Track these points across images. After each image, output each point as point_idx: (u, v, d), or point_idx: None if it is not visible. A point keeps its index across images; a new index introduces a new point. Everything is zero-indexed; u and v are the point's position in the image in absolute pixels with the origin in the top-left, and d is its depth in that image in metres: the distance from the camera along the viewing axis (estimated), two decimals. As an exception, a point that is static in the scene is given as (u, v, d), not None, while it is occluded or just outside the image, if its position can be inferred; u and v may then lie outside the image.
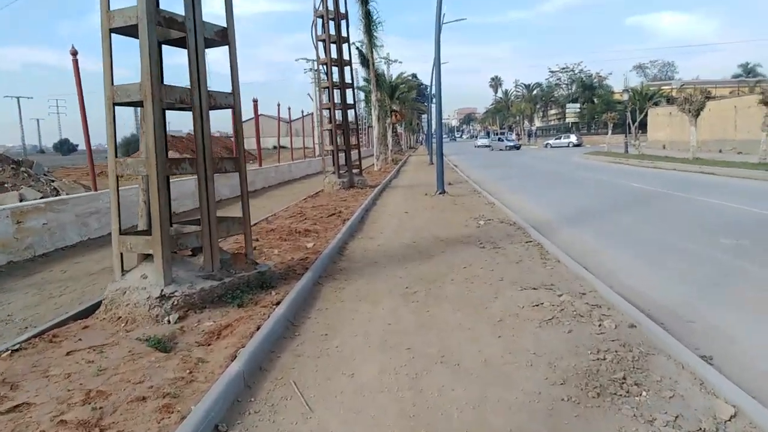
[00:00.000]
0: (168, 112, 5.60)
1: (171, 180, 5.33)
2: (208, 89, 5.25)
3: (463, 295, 5.61)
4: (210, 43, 5.36)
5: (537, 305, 5.21)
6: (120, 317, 4.43)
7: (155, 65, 4.60)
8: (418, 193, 16.18)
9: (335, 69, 16.52)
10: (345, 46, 16.78)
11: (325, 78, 16.41)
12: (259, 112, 26.93)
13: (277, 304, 4.85)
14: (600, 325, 4.70)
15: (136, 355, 3.69)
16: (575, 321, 4.79)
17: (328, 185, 16.47)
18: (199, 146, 5.18)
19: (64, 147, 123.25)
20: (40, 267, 7.34)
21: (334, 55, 16.35)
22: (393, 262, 7.12)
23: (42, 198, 14.00)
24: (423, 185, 19.11)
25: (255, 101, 22.13)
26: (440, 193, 15.44)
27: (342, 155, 17.00)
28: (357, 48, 31.30)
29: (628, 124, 47.99)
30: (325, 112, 16.95)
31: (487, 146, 79.92)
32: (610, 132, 44.85)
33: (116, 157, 4.92)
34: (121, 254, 4.88)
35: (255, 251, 7.37)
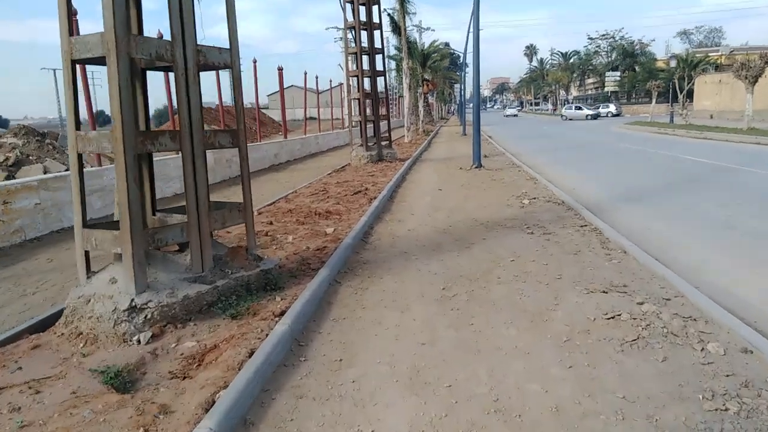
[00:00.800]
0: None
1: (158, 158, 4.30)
2: (198, 43, 4.17)
3: (515, 301, 4.50)
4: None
5: (612, 317, 4.07)
6: (80, 333, 3.48)
7: (120, 9, 3.53)
8: (452, 167, 14.95)
9: (364, 33, 15.24)
10: (375, 9, 15.44)
11: (354, 43, 15.15)
12: (290, 84, 25.90)
13: (282, 314, 3.83)
14: (703, 350, 3.54)
15: (81, 398, 2.72)
16: (668, 343, 3.64)
17: (356, 159, 15.37)
18: (184, 116, 4.13)
19: (100, 119, 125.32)
20: (27, 254, 6.51)
21: (363, 17, 15.06)
22: (426, 253, 6.03)
23: (66, 170, 13.33)
24: (457, 158, 17.83)
25: (280, 69, 21.08)
26: (476, 167, 14.18)
27: (370, 126, 15.83)
28: (388, 14, 29.82)
29: (675, 92, 45.24)
30: (353, 81, 15.73)
31: (514, 116, 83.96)
32: (654, 101, 42.22)
33: (77, 129, 3.90)
34: (87, 253, 3.91)
35: (267, 237, 6.41)
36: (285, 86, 21.93)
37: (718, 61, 61.87)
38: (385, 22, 31.05)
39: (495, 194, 10.13)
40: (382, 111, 16.63)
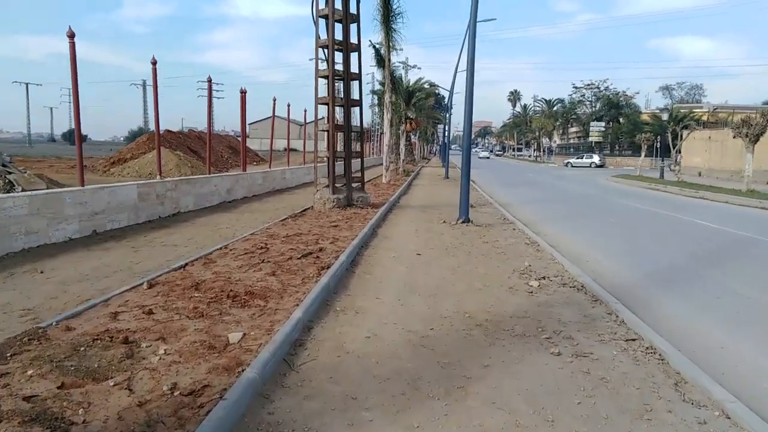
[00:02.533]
0: None
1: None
2: None
3: None
4: None
5: None
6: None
7: None
8: (435, 219, 12.52)
9: (339, 55, 12.97)
10: (353, 28, 13.22)
11: (326, 65, 12.84)
12: (276, 113, 23.74)
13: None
14: None
15: None
16: None
17: (319, 202, 12.83)
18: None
19: (74, 136, 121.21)
20: None
21: (339, 37, 12.81)
22: (388, 405, 3.44)
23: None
24: (439, 206, 15.45)
25: (274, 100, 19.02)
26: (463, 222, 11.78)
27: (341, 164, 13.40)
28: (373, 46, 27.98)
29: (666, 146, 44.21)
30: (323, 110, 13.36)
31: (486, 158, 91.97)
32: (643, 154, 40.97)
33: None
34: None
35: (122, 348, 3.77)
36: (268, 116, 19.75)
37: (702, 118, 61.81)
38: (370, 54, 29.19)
39: (492, 267, 7.65)
40: (356, 147, 14.25)
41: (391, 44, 24.13)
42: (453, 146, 69.04)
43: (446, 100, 67.16)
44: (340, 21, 12.85)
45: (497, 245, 9.52)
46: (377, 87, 54.28)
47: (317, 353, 4.13)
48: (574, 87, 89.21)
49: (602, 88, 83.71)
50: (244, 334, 4.16)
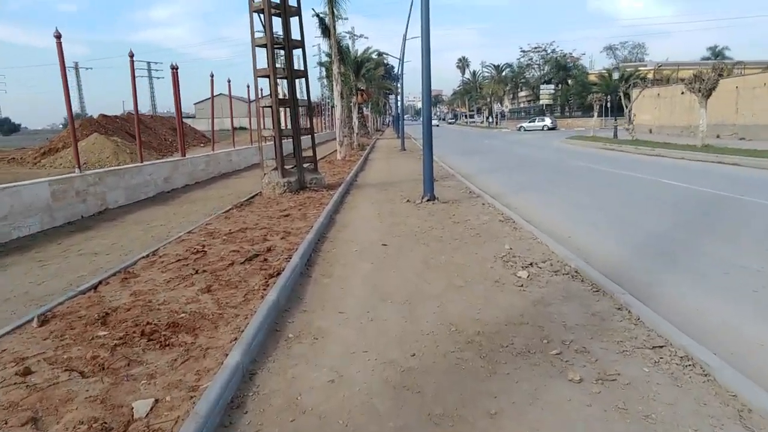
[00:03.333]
0: None
1: None
2: None
3: None
4: None
5: None
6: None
7: None
8: (397, 199, 11.42)
9: (278, 20, 11.49)
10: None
11: (264, 33, 11.35)
12: (219, 92, 21.77)
13: None
14: None
15: None
16: None
17: (268, 187, 11.49)
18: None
19: (4, 127, 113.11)
20: None
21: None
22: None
23: None
24: (400, 183, 14.35)
25: (212, 76, 17.25)
26: (429, 200, 10.73)
27: (289, 143, 12.03)
28: (317, 15, 26.22)
29: (616, 106, 44.29)
30: (264, 84, 11.88)
31: (436, 125, 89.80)
32: (595, 115, 40.94)
33: None
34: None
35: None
36: (215, 94, 17.91)
37: (648, 76, 62.62)
38: (314, 24, 27.38)
39: (470, 255, 6.62)
40: (306, 123, 12.91)
41: (335, 10, 22.53)
42: (406, 116, 67.88)
43: (396, 69, 65.82)
44: (276, -19, 11.34)
45: (470, 225, 8.51)
46: (324, 59, 52.22)
47: (261, 419, 2.96)
48: (521, 51, 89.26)
49: (549, 51, 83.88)
50: (157, 401, 2.95)
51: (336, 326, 4.37)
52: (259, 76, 11.62)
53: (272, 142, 11.40)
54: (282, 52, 11.76)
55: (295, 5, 11.81)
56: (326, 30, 25.49)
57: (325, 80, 57.28)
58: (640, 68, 65.10)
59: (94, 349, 3.68)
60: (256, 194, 11.98)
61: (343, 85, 30.44)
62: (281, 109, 11.54)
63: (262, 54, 11.47)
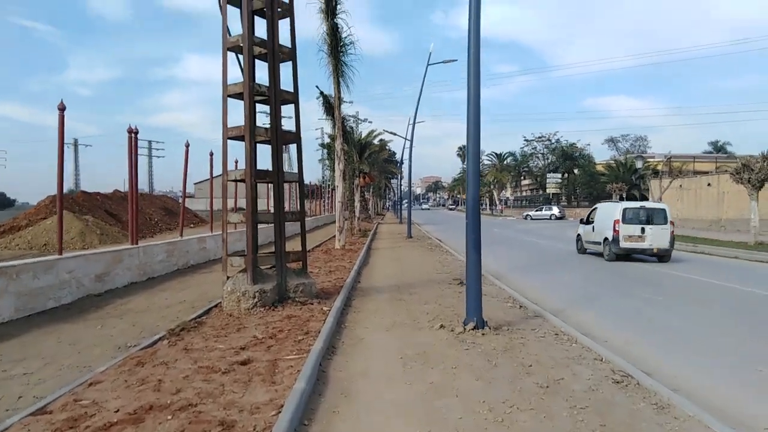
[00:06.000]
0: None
1: None
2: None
3: None
4: None
5: None
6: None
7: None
8: (424, 320, 7.56)
9: (262, 64, 8.22)
10: (286, 26, 8.59)
11: (240, 74, 8.01)
12: (220, 172, 18.92)
13: None
14: None
15: None
16: None
17: (230, 298, 7.61)
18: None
19: (0, 201, 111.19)
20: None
21: (264, 36, 8.10)
22: None
23: None
24: (419, 286, 10.55)
25: (211, 154, 14.34)
26: (475, 327, 6.89)
27: (268, 228, 8.34)
28: (321, 93, 23.61)
29: (630, 197, 41.44)
30: (237, 150, 8.34)
31: (428, 209, 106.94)
32: (616, 205, 37.91)
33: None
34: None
35: None
36: (215, 175, 14.68)
37: (657, 167, 60.71)
38: (317, 104, 24.72)
39: None
40: (293, 203, 9.29)
41: (341, 79, 19.78)
42: (404, 202, 65.28)
43: (397, 155, 64.09)
44: (261, 12, 8.17)
45: (576, 398, 4.64)
46: (327, 141, 50.08)
47: None
48: (525, 140, 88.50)
49: (554, 141, 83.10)
50: None
51: None
52: (230, 138, 8.14)
53: (234, 230, 7.71)
54: (266, 107, 8.38)
55: (289, 46, 8.58)
56: (330, 108, 22.73)
57: (326, 161, 55.04)
58: (648, 159, 63.49)
59: None
60: (215, 305, 8.13)
61: (347, 164, 27.51)
62: (255, 184, 7.96)
63: (234, 105, 8.06)
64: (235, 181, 8.21)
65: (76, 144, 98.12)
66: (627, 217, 15.99)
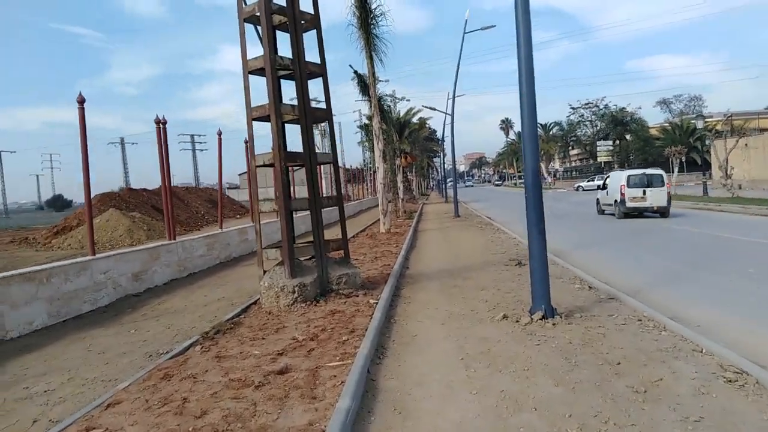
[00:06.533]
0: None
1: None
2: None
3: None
4: None
5: None
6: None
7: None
8: (483, 310, 6.70)
9: (283, 34, 7.44)
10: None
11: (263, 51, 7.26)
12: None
13: None
14: None
15: None
16: None
17: (269, 294, 6.97)
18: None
19: (58, 203, 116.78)
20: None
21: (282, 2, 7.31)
22: None
23: None
24: (473, 270, 9.66)
25: (219, 134, 13.89)
26: (543, 317, 5.98)
27: (305, 216, 7.65)
28: (356, 73, 22.68)
29: (689, 161, 38.85)
30: (263, 129, 7.61)
31: (471, 186, 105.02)
32: (676, 170, 35.65)
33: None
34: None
35: None
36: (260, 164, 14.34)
37: (717, 127, 56.96)
38: (352, 91, 23.86)
39: None
40: (329, 187, 8.55)
41: (373, 53, 18.81)
42: (448, 180, 63.78)
43: (437, 133, 62.59)
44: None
45: (676, 399, 3.73)
46: (365, 122, 49.13)
47: None
48: (571, 108, 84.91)
49: (601, 106, 79.30)
50: None
51: None
52: (254, 119, 7.43)
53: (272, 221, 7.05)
54: (290, 81, 7.62)
55: (311, 13, 7.75)
56: (365, 87, 21.76)
57: (366, 143, 54.19)
58: (706, 119, 59.58)
59: None
60: (254, 302, 7.52)
61: (386, 144, 26.62)
62: (293, 168, 7.24)
63: (257, 83, 7.33)
64: (264, 165, 7.51)
65: (123, 143, 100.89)
66: (631, 183, 18.97)
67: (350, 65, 22.59)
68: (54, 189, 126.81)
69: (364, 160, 63.18)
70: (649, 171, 19.62)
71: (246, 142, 14.33)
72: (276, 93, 7.16)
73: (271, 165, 7.41)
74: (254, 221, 7.64)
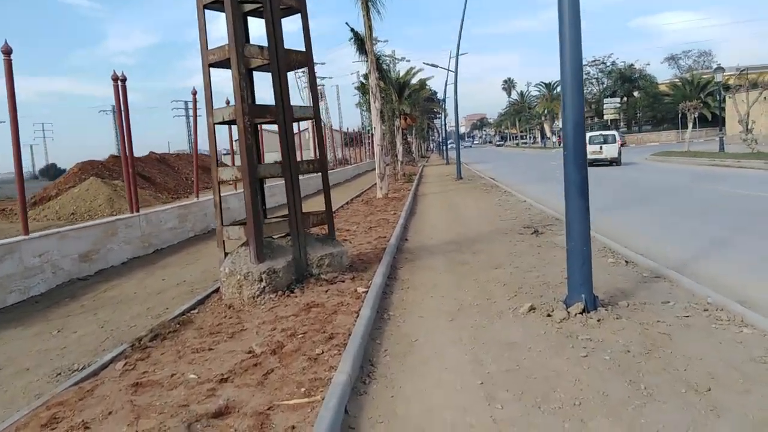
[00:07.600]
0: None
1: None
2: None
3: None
4: None
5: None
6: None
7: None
8: (501, 298, 5.24)
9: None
10: None
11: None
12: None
13: None
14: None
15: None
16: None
17: (230, 283, 5.51)
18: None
19: (51, 171, 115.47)
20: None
21: None
22: None
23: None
24: (484, 242, 8.15)
25: (194, 93, 12.29)
26: (583, 311, 4.52)
27: (278, 185, 6.13)
28: (351, 30, 20.63)
29: (701, 117, 36.91)
30: (221, 76, 5.97)
31: (469, 146, 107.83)
32: (690, 126, 33.76)
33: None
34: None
35: None
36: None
37: (729, 81, 54.61)
38: (351, 53, 21.87)
39: None
40: (307, 150, 7.00)
41: (369, 4, 16.90)
42: (449, 141, 61.76)
43: (438, 94, 60.25)
44: None
45: None
46: (362, 83, 46.81)
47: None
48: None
49: (608, 63, 76.30)
50: None
51: None
52: (212, 65, 5.81)
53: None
54: (256, 18, 5.96)
55: None
56: (362, 45, 19.73)
57: (363, 105, 52.04)
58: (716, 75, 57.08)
59: None
60: (216, 290, 6.07)
61: (384, 103, 24.84)
62: (251, 127, 5.69)
63: (213, 18, 5.67)
64: (224, 122, 5.93)
65: (113, 110, 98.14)
66: (592, 141, 24.50)
67: (347, 23, 20.62)
68: (47, 158, 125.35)
69: (362, 123, 61.05)
70: (605, 132, 26.50)
71: (194, 93, 12.60)
72: (238, 30, 5.50)
73: (232, 122, 5.83)
74: (214, 192, 6.12)
